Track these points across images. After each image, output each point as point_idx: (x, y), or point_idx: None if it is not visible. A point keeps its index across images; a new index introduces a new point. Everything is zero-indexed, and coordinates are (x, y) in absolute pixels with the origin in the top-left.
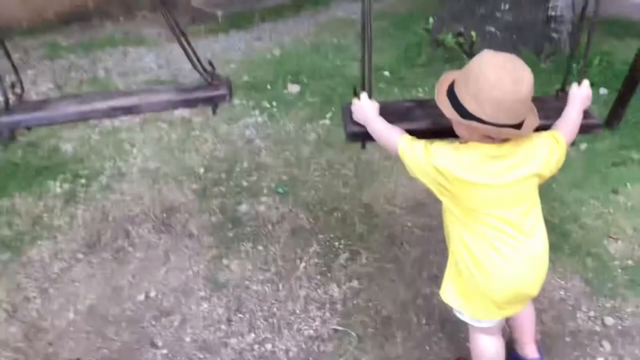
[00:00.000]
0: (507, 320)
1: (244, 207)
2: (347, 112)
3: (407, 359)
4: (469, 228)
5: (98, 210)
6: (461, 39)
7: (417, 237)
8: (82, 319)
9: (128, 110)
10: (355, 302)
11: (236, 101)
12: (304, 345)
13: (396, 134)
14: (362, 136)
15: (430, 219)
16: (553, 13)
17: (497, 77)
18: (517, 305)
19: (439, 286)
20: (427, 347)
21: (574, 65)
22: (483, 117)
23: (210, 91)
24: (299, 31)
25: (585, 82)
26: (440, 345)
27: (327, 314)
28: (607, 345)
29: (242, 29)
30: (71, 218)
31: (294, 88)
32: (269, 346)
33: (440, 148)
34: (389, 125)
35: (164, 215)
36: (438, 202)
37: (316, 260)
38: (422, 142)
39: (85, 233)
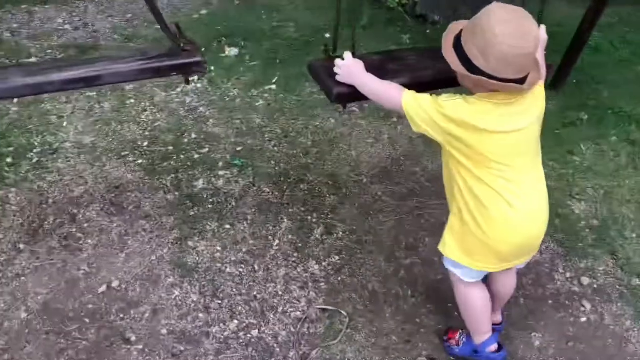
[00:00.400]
0: (490, 285)
1: (200, 183)
2: (321, 72)
3: (399, 334)
4: (477, 179)
5: (34, 192)
6: (404, 0)
7: (389, 207)
8: (37, 318)
9: (89, 82)
10: (339, 278)
11: None
12: (292, 329)
13: (396, 89)
14: (350, 97)
15: (398, 187)
16: None
17: (504, 31)
18: (520, 258)
19: (418, 256)
20: (417, 320)
21: None
22: (489, 72)
23: (184, 58)
24: None
25: (543, 27)
26: (429, 317)
27: (312, 294)
28: (587, 305)
29: None
30: (3, 203)
31: (231, 51)
32: (255, 332)
33: (450, 100)
34: (384, 82)
35: (112, 195)
36: (405, 168)
37: (290, 236)
38: (427, 95)
39: (23, 220)
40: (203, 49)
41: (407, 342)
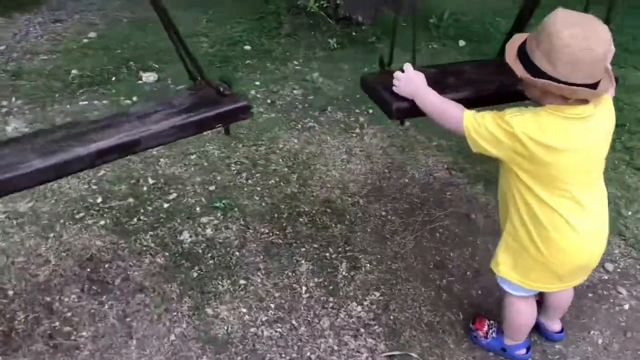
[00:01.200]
0: (547, 296)
1: (186, 236)
2: (377, 86)
3: None
4: (539, 199)
5: None
6: (324, 3)
7: (399, 226)
8: None
9: (125, 151)
10: (390, 317)
11: (83, 102)
12: None
13: (457, 107)
14: (410, 112)
15: (398, 203)
16: None
17: (571, 34)
18: (578, 278)
19: (450, 273)
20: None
21: (430, 20)
22: (556, 76)
23: (227, 104)
24: (104, 6)
25: None
26: None
27: (370, 341)
28: (623, 291)
29: (24, 10)
30: None
31: (149, 77)
32: None
33: (517, 116)
34: (445, 99)
35: (87, 270)
36: (393, 181)
37: (315, 279)
38: (490, 113)
39: None
40: (113, 78)
41: None
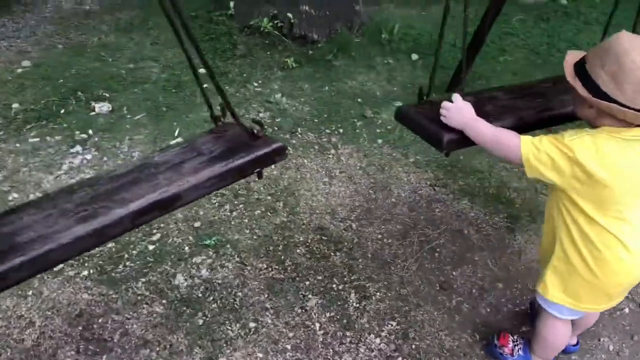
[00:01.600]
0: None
1: (181, 279)
2: (420, 118)
3: None
4: (593, 221)
5: None
6: (279, 22)
7: (398, 248)
8: None
9: (165, 208)
10: (412, 346)
11: (34, 139)
12: None
13: (511, 135)
14: (461, 143)
15: (391, 224)
16: None
17: None
18: (623, 295)
19: (457, 293)
20: None
21: (382, 35)
22: (620, 99)
23: (263, 147)
24: (34, 31)
25: None
26: None
27: None
28: None
29: None
30: None
31: (102, 107)
32: None
33: (576, 140)
34: (496, 127)
35: (79, 328)
36: (380, 202)
37: (327, 314)
38: (548, 137)
39: None
40: (62, 111)
41: None
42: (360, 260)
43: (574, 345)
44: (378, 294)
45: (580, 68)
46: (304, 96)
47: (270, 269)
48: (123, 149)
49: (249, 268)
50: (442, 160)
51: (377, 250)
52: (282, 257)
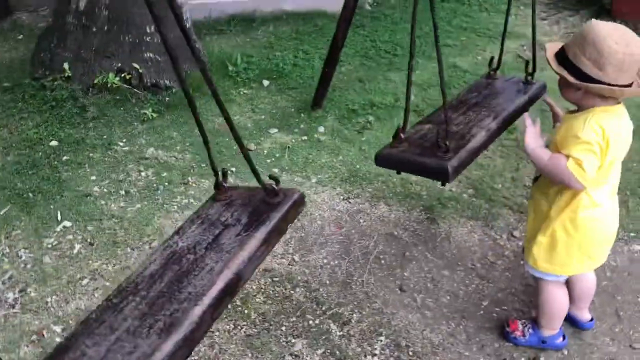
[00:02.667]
0: (575, 285)
1: None
2: (410, 156)
3: None
4: (588, 193)
5: None
6: (126, 75)
7: (348, 266)
8: None
9: (230, 295)
10: (408, 353)
11: None
12: None
13: (561, 157)
14: (461, 169)
15: (329, 246)
16: (187, 24)
17: (616, 40)
18: (604, 254)
19: (417, 291)
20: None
21: (229, 68)
22: (604, 80)
23: (285, 201)
24: None
25: None
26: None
27: None
28: None
29: None
30: None
31: None
32: None
33: (590, 129)
34: (549, 153)
35: None
36: (311, 227)
37: (319, 351)
38: (578, 147)
39: None
40: None
41: None
42: (320, 289)
43: (589, 322)
44: (354, 315)
45: (562, 57)
46: (178, 144)
47: (239, 328)
48: (5, 250)
49: (217, 334)
50: (341, 174)
51: (331, 275)
52: (245, 311)
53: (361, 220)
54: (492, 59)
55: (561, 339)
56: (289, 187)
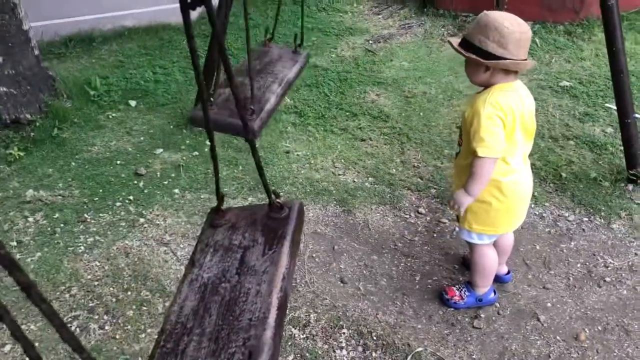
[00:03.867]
0: (497, 244)
1: None
2: (220, 117)
3: None
4: (502, 161)
5: None
6: None
7: (324, 262)
8: None
9: (285, 312)
10: (373, 337)
11: None
12: None
13: (482, 170)
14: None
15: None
16: (37, 52)
17: (511, 24)
18: (525, 211)
19: (357, 280)
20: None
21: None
22: (508, 56)
23: (291, 213)
24: None
25: None
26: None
27: None
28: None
29: None
30: None
31: None
32: None
33: (492, 108)
34: (477, 180)
35: None
36: None
37: (289, 359)
38: (485, 127)
39: None
40: None
41: None
42: None
43: (506, 274)
44: (311, 316)
45: (467, 46)
46: (59, 181)
47: None
48: None
49: None
50: (247, 183)
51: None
52: None
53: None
54: (267, 29)
55: (493, 294)
56: (287, 200)
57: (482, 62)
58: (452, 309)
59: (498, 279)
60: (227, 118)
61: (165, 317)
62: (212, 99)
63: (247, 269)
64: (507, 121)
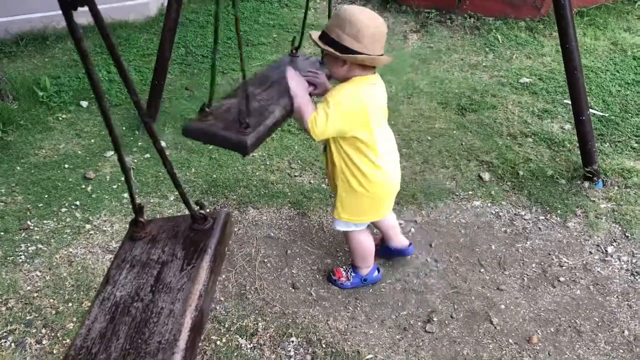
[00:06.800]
0: (379, 225)
1: None
2: (214, 130)
3: None
4: (362, 153)
5: None
6: None
7: (237, 278)
8: None
9: (200, 331)
10: (322, 345)
11: None
12: None
13: (310, 110)
14: (259, 143)
15: None
16: None
17: (367, 18)
18: (392, 202)
19: (309, 284)
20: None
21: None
22: (364, 51)
23: (217, 224)
24: None
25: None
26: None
27: None
28: None
29: None
30: None
31: None
32: None
33: (339, 94)
34: (306, 102)
35: None
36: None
37: None
38: (321, 107)
39: None
40: None
41: None
42: (217, 307)
43: (409, 246)
44: (259, 324)
45: (325, 38)
46: (2, 186)
47: None
48: None
49: None
50: (199, 186)
51: (223, 290)
52: None
53: (235, 229)
54: (294, 38)
55: (377, 272)
56: (214, 210)
57: (338, 56)
58: (341, 289)
59: (402, 253)
60: (220, 130)
61: (71, 341)
62: (207, 108)
63: (162, 286)
64: (369, 115)
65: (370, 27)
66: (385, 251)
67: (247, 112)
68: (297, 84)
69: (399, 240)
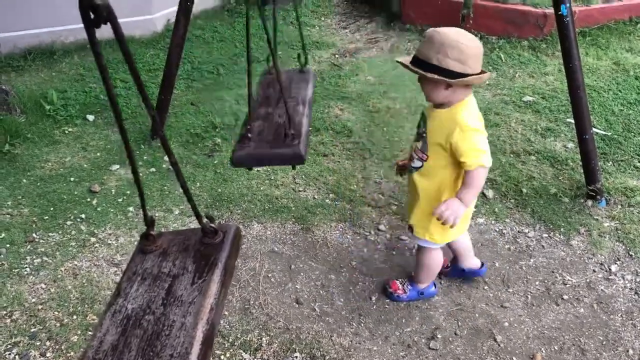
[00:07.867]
0: (454, 245)
1: None
2: (262, 152)
3: None
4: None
5: None
6: None
7: (241, 293)
8: None
9: (211, 344)
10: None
11: None
12: None
13: (480, 172)
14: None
15: None
16: None
17: (467, 39)
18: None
19: (313, 300)
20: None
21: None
22: (469, 71)
23: (226, 238)
24: None
25: None
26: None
27: None
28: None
29: None
30: None
31: None
32: None
33: (472, 119)
34: (471, 186)
35: None
36: None
37: None
38: (475, 138)
39: None
40: None
41: None
42: (221, 322)
43: (482, 268)
44: (263, 339)
45: (424, 65)
46: (8, 199)
47: None
48: None
49: None
50: (203, 200)
51: (227, 305)
52: None
53: (241, 244)
54: (299, 55)
55: (434, 287)
56: (223, 223)
57: (450, 82)
58: (396, 302)
59: (475, 274)
60: (269, 150)
61: (82, 354)
62: (249, 134)
63: (173, 299)
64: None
65: (471, 47)
66: (456, 271)
67: (289, 124)
68: (453, 213)
69: (472, 261)
